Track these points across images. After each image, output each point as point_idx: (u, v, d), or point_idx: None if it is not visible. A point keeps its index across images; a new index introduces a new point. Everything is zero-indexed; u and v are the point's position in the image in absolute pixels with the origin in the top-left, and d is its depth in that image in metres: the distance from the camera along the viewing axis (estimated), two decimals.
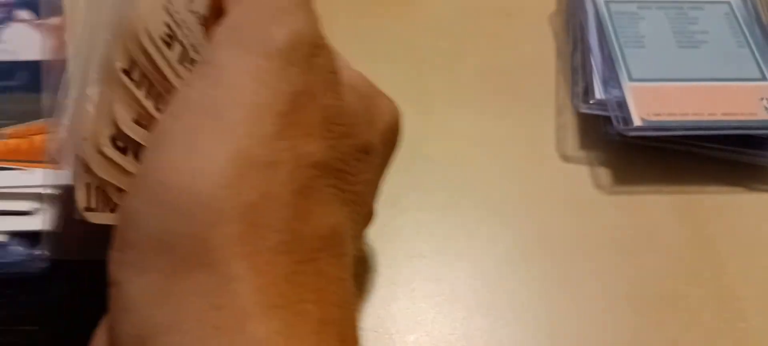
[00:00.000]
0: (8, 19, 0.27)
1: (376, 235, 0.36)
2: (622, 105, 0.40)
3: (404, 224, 0.38)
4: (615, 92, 0.41)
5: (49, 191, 0.22)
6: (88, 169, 0.22)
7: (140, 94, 0.23)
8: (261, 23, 0.23)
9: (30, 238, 0.22)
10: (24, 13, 0.28)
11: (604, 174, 0.40)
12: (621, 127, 0.39)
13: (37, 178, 0.23)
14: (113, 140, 0.22)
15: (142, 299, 0.20)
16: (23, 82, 0.26)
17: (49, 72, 0.22)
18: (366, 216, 0.28)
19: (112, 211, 0.22)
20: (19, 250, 0.22)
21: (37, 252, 0.22)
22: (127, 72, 0.22)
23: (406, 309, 0.35)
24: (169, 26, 0.24)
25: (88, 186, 0.22)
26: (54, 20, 0.25)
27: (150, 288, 0.20)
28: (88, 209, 0.22)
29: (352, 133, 0.24)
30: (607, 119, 0.40)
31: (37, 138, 0.24)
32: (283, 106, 0.22)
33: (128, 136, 0.22)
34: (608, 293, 0.36)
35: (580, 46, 0.44)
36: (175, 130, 0.21)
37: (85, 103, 0.21)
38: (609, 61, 0.42)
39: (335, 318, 0.22)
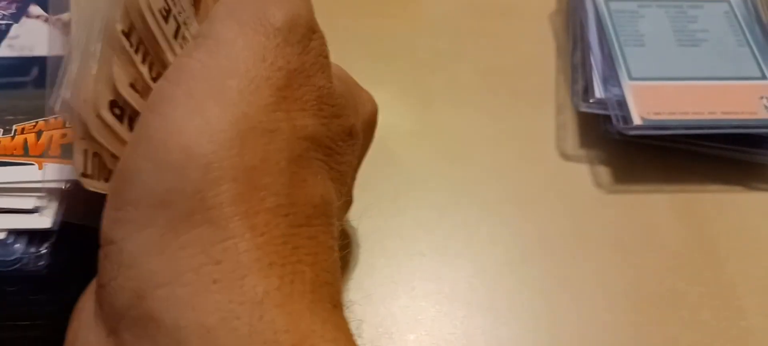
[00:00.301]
0: (22, 14, 0.27)
1: (376, 233, 0.36)
2: (622, 104, 0.40)
3: (404, 223, 0.38)
4: (615, 91, 0.41)
5: (53, 186, 0.22)
6: (86, 134, 0.22)
7: (137, 58, 0.23)
8: (259, 3, 0.24)
9: (32, 236, 0.22)
10: (38, 9, 0.28)
11: (604, 173, 0.40)
12: (621, 126, 0.39)
13: (41, 174, 0.22)
14: (111, 106, 0.22)
15: (141, 254, 0.21)
16: (37, 78, 0.26)
17: (54, 68, 0.22)
18: (346, 198, 0.29)
19: (107, 180, 0.22)
20: (20, 248, 0.22)
21: (38, 250, 0.22)
22: (126, 35, 0.23)
23: (406, 308, 0.35)
24: (166, 1, 0.24)
25: (85, 152, 0.22)
26: (66, 16, 0.25)
27: (148, 243, 0.21)
28: (85, 175, 0.22)
29: (340, 115, 0.25)
30: (607, 118, 0.40)
31: (45, 134, 0.24)
32: (280, 82, 0.23)
33: (125, 103, 0.23)
34: (608, 292, 0.36)
35: (580, 44, 0.44)
36: (176, 94, 0.22)
37: (87, 63, 0.22)
38: (609, 60, 0.42)
39: (328, 281, 0.22)
